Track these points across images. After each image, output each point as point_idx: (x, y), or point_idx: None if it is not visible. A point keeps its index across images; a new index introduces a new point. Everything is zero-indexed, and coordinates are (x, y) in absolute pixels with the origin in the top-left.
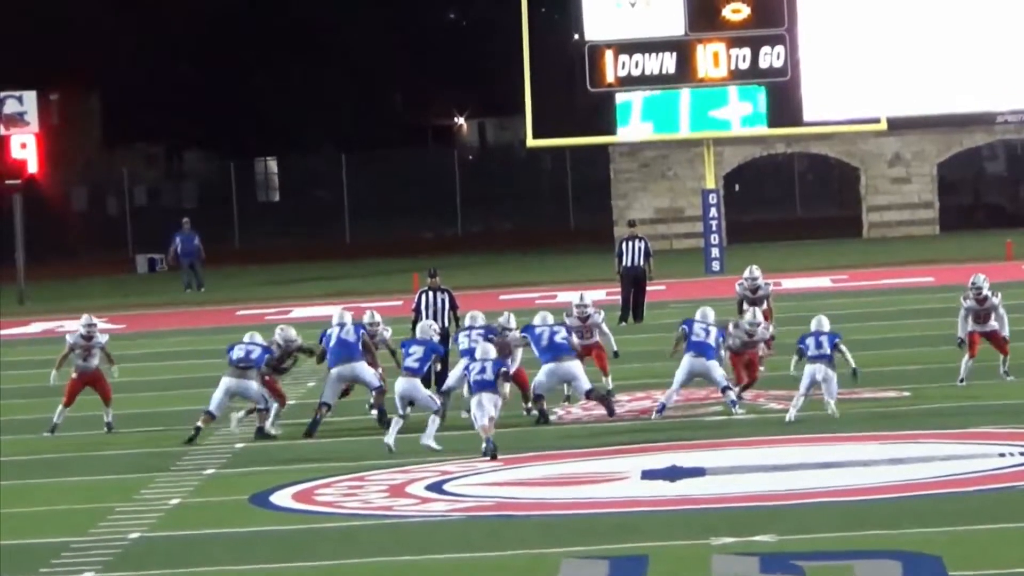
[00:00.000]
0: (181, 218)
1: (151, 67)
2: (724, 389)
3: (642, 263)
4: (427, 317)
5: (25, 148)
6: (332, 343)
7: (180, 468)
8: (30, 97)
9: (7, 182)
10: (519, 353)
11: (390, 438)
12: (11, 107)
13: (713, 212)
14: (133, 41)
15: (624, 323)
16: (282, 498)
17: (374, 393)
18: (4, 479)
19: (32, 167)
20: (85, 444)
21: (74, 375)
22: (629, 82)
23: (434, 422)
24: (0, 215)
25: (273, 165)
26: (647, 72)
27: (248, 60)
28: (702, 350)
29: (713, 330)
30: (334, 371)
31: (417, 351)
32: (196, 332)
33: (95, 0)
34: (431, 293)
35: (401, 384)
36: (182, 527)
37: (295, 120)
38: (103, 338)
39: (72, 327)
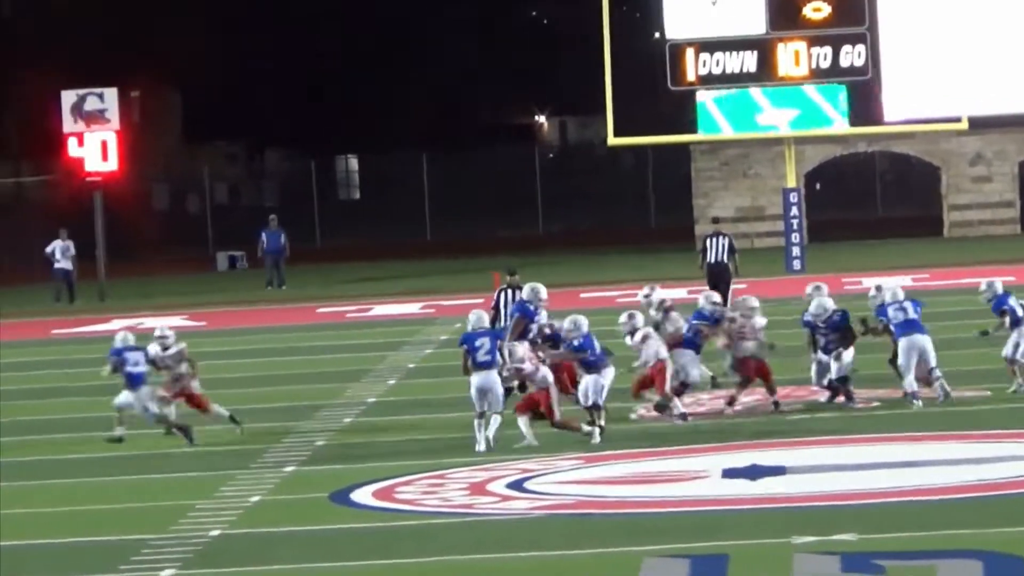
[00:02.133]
0: (262, 216)
1: (232, 65)
2: (930, 370)
3: (726, 259)
4: (506, 315)
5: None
6: None
7: (260, 466)
8: (111, 94)
9: (88, 179)
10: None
11: (482, 441)
12: (92, 104)
13: (794, 211)
14: (215, 39)
15: None
16: (362, 496)
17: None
18: (87, 476)
19: (113, 164)
20: (164, 442)
21: None
22: (710, 80)
23: (495, 420)
24: (81, 212)
25: (354, 163)
26: (728, 70)
27: (329, 59)
28: (915, 327)
29: (908, 305)
30: None
31: (485, 343)
32: (277, 329)
33: None
34: (510, 291)
35: (478, 379)
36: (262, 524)
37: (376, 118)
38: None
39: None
